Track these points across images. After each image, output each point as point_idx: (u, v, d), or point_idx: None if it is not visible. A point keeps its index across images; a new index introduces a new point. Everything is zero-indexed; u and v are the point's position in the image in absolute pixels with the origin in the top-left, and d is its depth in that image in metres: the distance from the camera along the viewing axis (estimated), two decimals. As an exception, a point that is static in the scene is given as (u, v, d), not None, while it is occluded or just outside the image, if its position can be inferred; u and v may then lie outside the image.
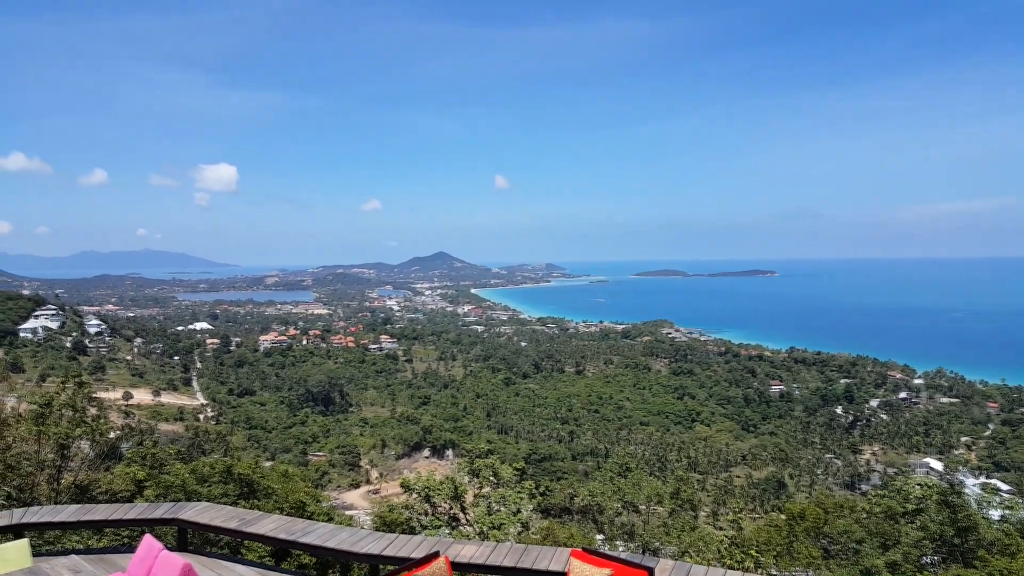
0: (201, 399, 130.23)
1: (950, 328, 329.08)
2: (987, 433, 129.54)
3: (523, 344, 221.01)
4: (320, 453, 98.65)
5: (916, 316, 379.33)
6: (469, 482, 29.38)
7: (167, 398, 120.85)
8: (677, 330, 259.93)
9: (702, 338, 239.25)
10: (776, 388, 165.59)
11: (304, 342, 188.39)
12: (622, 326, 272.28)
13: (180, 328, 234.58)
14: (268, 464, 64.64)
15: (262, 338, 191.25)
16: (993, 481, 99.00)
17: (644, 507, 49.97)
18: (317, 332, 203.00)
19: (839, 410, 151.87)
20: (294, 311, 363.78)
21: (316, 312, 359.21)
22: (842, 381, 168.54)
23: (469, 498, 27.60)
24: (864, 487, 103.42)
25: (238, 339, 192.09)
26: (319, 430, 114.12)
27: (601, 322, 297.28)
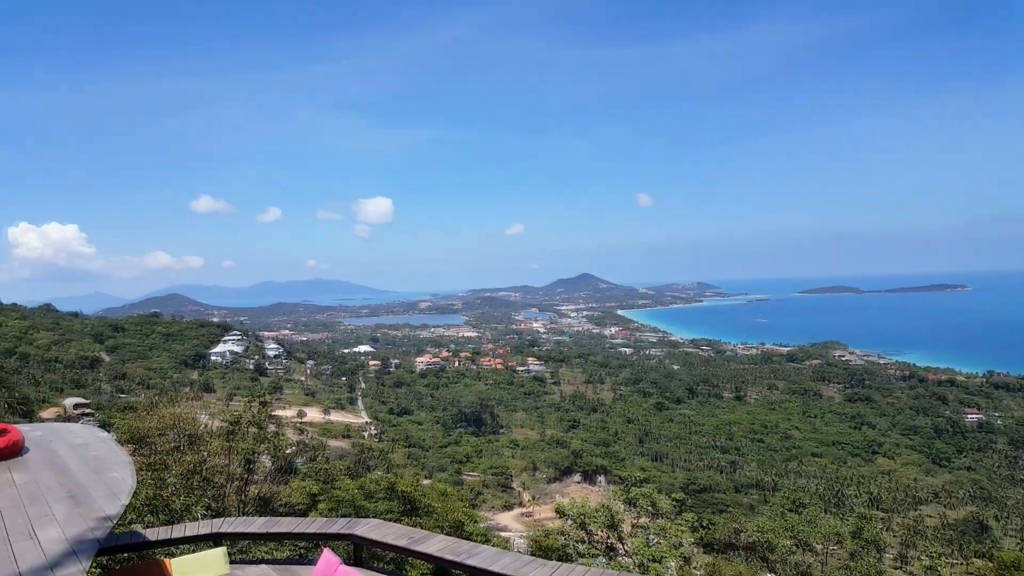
0: (365, 417, 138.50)
1: None
2: None
3: (675, 367, 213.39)
4: (474, 473, 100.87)
5: None
6: (625, 511, 28.32)
7: (335, 416, 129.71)
8: (851, 352, 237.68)
9: (881, 361, 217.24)
10: (972, 417, 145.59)
11: (456, 364, 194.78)
12: (786, 348, 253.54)
13: (346, 350, 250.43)
14: (427, 482, 67.08)
15: (417, 360, 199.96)
16: None
17: (820, 546, 45.65)
18: (467, 354, 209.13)
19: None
20: (445, 334, 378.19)
21: (466, 335, 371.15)
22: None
23: (626, 528, 26.53)
24: None
25: (396, 361, 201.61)
26: (471, 450, 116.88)
27: (762, 344, 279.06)
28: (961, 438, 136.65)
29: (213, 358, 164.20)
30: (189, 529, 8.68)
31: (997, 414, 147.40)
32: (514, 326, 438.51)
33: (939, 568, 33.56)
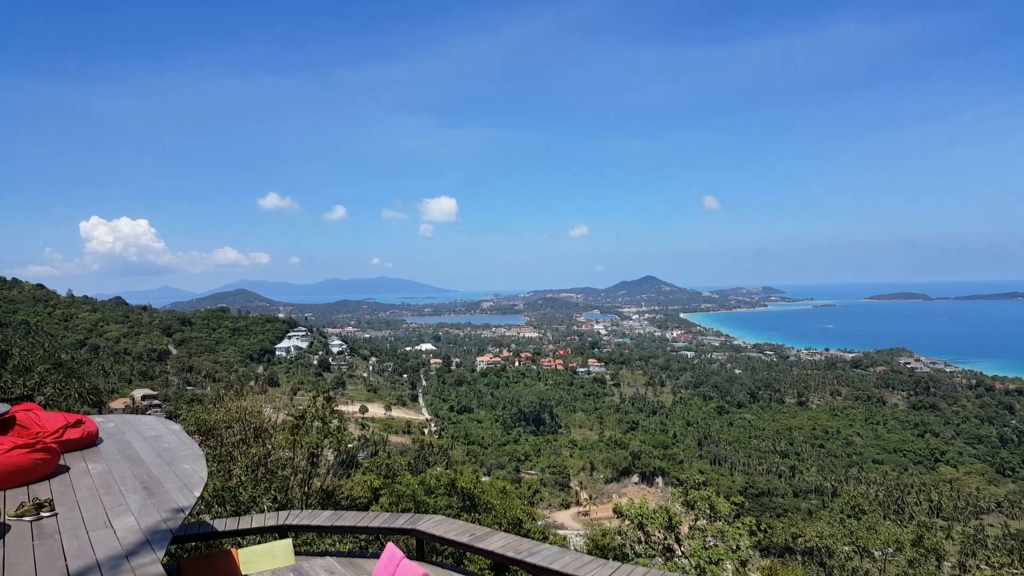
0: (426, 414, 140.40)
1: None
2: None
3: (737, 371, 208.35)
4: (532, 471, 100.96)
5: None
6: (684, 513, 27.88)
7: (397, 412, 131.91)
8: (917, 360, 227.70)
9: (948, 369, 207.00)
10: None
11: (516, 364, 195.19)
12: (851, 355, 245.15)
13: (408, 348, 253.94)
14: (486, 479, 67.58)
15: (479, 359, 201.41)
16: None
17: (879, 553, 43.84)
18: (528, 355, 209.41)
19: None
20: (507, 334, 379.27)
21: (527, 335, 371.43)
22: None
23: (684, 529, 26.12)
24: None
25: (457, 360, 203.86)
26: (530, 449, 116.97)
27: (827, 350, 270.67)
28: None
29: (278, 353, 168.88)
30: (256, 521, 8.89)
31: None
32: (575, 327, 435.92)
33: (999, 577, 31.68)
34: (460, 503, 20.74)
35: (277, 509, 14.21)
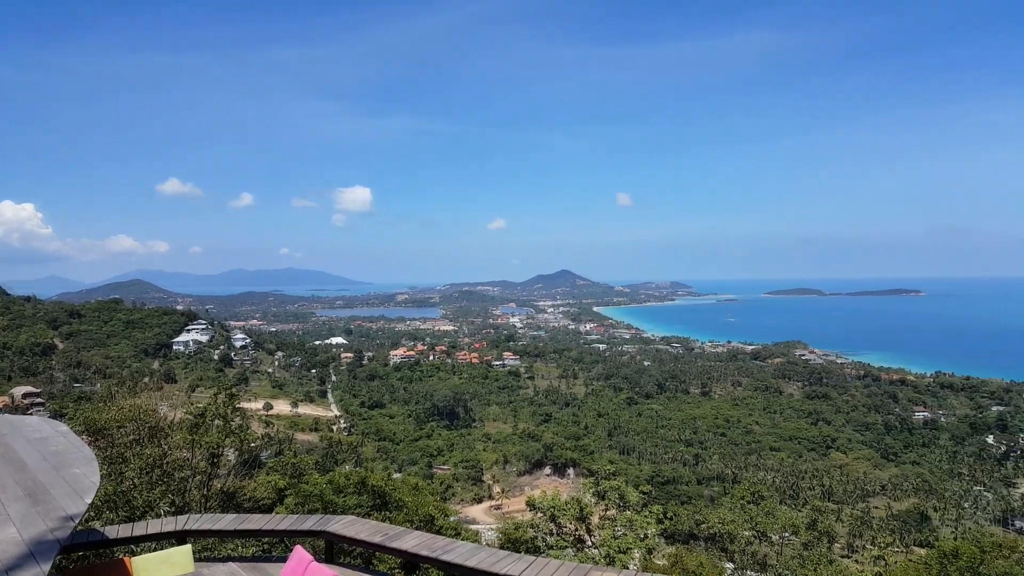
0: (335, 411, 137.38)
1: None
2: None
3: (646, 363, 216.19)
4: (445, 467, 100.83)
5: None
6: (595, 504, 28.57)
7: (304, 409, 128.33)
8: (812, 352, 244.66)
9: (839, 361, 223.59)
10: (920, 414, 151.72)
11: (431, 357, 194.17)
12: (752, 347, 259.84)
13: (318, 342, 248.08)
14: (398, 476, 66.89)
15: (392, 353, 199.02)
16: None
17: (777, 537, 46.79)
18: (443, 348, 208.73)
19: (990, 439, 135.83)
20: (422, 327, 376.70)
21: (443, 328, 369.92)
22: (994, 408, 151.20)
23: (594, 520, 26.75)
24: (1019, 523, 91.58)
25: (370, 354, 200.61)
26: (444, 444, 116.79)
27: (729, 342, 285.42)
28: (909, 434, 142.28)
29: (176, 347, 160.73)
30: (152, 526, 8.29)
31: (942, 412, 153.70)
32: (492, 320, 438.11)
33: (885, 556, 34.55)
34: (371, 501, 20.40)
35: (175, 513, 13.43)
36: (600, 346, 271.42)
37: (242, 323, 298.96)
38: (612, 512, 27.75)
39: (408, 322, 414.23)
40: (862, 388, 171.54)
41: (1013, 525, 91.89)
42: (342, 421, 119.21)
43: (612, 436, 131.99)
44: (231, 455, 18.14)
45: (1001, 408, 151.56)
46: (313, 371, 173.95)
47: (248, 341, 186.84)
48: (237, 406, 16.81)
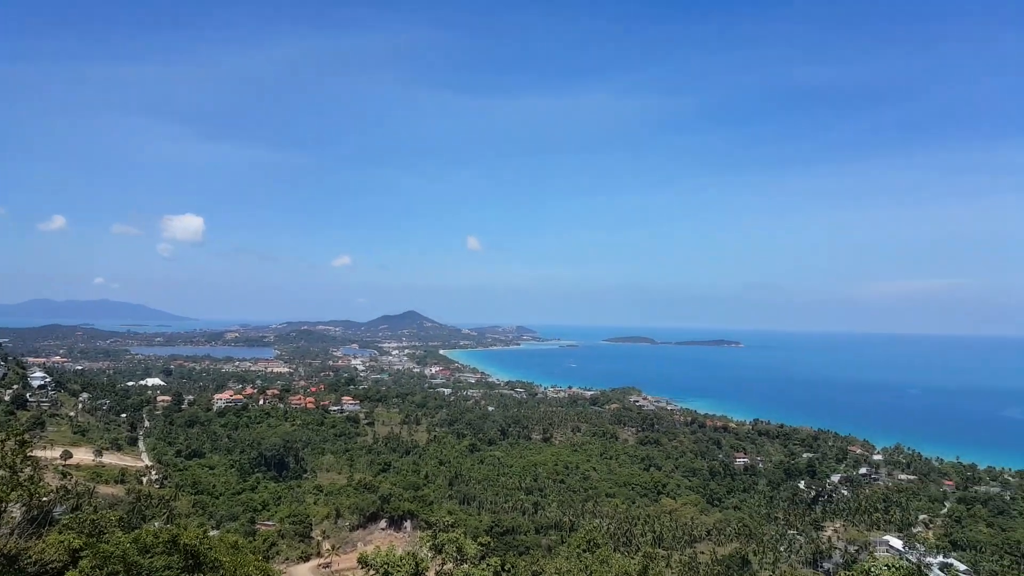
0: (146, 460, 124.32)
1: (907, 404, 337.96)
2: (944, 511, 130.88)
3: (491, 408, 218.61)
4: (269, 522, 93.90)
5: (875, 391, 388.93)
6: (431, 558, 27.99)
7: (109, 458, 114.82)
8: (645, 398, 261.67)
9: (669, 407, 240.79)
10: (741, 460, 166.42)
11: (261, 402, 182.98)
12: (591, 392, 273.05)
13: (131, 383, 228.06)
14: (215, 533, 61.19)
15: (216, 396, 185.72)
16: (952, 561, 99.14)
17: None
18: (275, 391, 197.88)
19: (802, 484, 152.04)
20: (253, 368, 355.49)
21: (276, 370, 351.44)
22: (805, 455, 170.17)
23: (430, 575, 26.13)
24: (827, 565, 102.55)
25: (191, 397, 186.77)
26: (270, 497, 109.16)
27: (570, 387, 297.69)
28: (731, 479, 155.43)
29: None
30: None
31: (760, 458, 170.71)
32: (332, 362, 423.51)
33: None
34: (182, 562, 18.51)
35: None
36: (445, 390, 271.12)
37: (43, 359, 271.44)
38: (449, 566, 27.34)
39: (237, 362, 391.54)
40: (690, 434, 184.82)
41: (822, 567, 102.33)
42: (154, 472, 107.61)
43: (453, 485, 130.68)
44: (16, 511, 15.73)
45: (810, 455, 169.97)
46: (123, 415, 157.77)
47: (48, 380, 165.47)
48: (28, 454, 14.71)
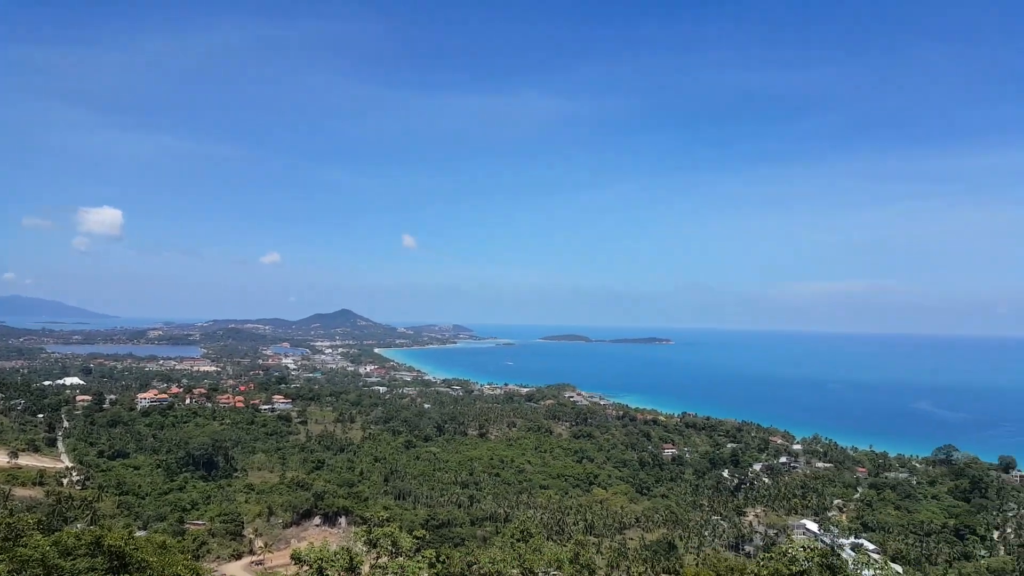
0: (67, 461, 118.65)
1: (826, 397, 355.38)
2: (856, 496, 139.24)
3: (427, 406, 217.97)
4: (199, 522, 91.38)
5: (797, 386, 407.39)
6: (366, 552, 28.21)
7: (26, 460, 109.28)
8: (579, 394, 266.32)
9: (602, 402, 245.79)
10: (669, 451, 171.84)
11: (187, 401, 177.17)
12: (527, 389, 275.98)
13: (47, 383, 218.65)
14: (141, 534, 59.25)
15: (140, 396, 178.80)
16: (862, 541, 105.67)
17: (542, 572, 49.58)
18: (202, 390, 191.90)
19: (726, 473, 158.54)
20: (178, 367, 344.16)
21: (203, 369, 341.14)
22: (729, 445, 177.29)
23: (365, 569, 26.39)
24: (748, 548, 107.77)
25: (113, 396, 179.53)
26: (199, 496, 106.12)
27: (506, 384, 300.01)
28: (660, 470, 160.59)
29: None
30: None
31: (687, 449, 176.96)
32: (262, 361, 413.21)
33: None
34: (107, 564, 18.22)
35: None
36: (380, 388, 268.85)
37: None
38: (384, 560, 27.66)
39: (161, 361, 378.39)
40: (621, 428, 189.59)
41: (743, 549, 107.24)
42: (75, 473, 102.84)
43: (388, 481, 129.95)
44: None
45: (734, 445, 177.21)
46: (40, 416, 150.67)
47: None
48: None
